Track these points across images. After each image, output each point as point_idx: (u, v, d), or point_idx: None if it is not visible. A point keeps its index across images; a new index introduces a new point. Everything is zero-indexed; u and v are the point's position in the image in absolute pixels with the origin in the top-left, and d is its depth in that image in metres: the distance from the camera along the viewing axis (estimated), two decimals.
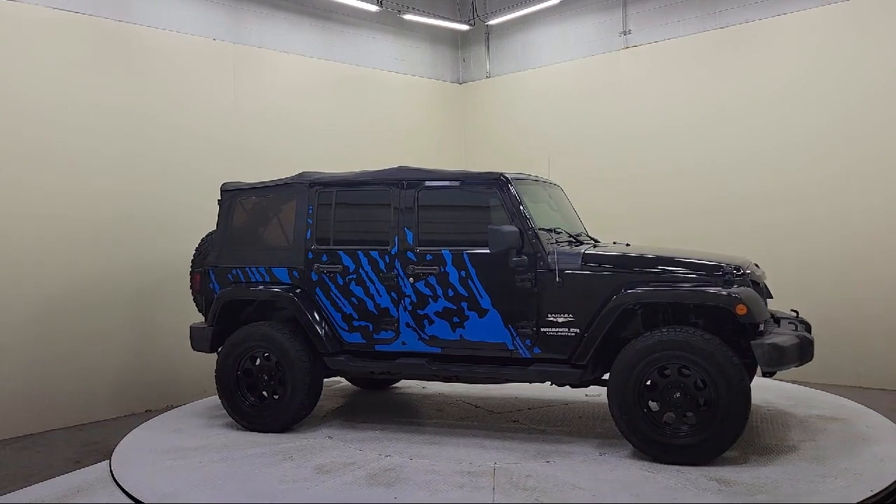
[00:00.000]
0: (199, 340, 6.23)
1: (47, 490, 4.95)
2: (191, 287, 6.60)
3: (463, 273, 5.43)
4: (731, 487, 4.45)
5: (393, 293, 5.61)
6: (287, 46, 8.92)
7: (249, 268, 6.08)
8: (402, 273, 5.58)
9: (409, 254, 5.57)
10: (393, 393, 7.36)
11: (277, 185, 6.17)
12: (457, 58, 11.12)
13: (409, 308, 5.56)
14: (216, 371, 6.02)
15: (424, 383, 7.47)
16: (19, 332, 6.63)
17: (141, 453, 5.45)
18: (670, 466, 4.79)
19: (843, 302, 7.56)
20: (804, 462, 4.86)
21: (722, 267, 5.04)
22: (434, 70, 10.74)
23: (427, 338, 5.55)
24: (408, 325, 5.59)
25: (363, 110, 9.61)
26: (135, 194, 7.42)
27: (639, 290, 5.04)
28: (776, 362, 4.77)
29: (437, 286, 5.49)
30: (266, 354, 5.88)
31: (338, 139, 9.19)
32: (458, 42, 11.12)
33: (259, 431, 5.85)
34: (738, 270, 5.06)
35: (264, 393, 5.94)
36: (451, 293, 5.46)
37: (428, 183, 5.66)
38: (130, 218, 7.38)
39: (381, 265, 5.64)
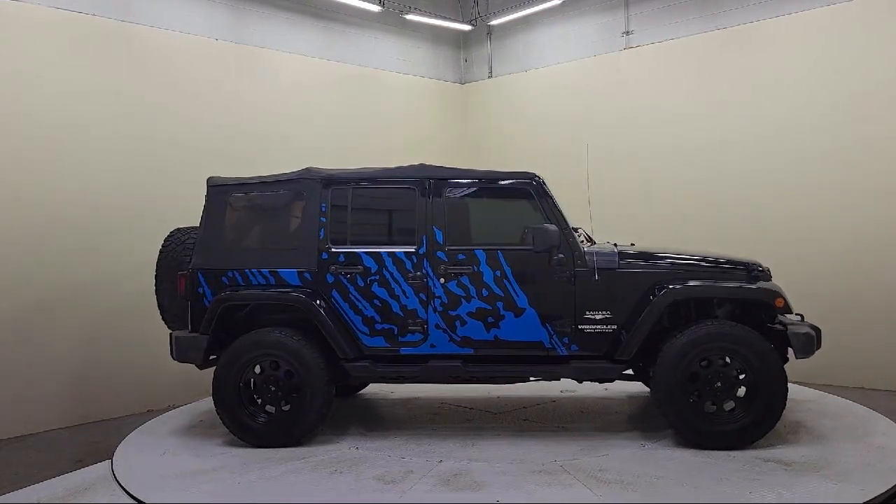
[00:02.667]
0: (189, 350, 5.49)
1: (47, 490, 4.84)
2: (156, 291, 5.90)
3: (498, 273, 5.35)
4: (793, 467, 4.67)
5: (421, 294, 5.43)
6: (289, 47, 8.84)
7: (250, 270, 5.50)
8: (431, 273, 5.42)
9: (440, 253, 5.43)
10: (369, 400, 7.01)
11: (280, 180, 5.66)
12: (459, 58, 11.08)
13: (440, 309, 5.41)
14: (214, 383, 5.43)
15: (392, 388, 7.20)
16: (19, 332, 6.55)
17: (149, 474, 5.00)
18: (722, 452, 4.97)
19: (845, 302, 7.56)
20: (834, 441, 5.19)
21: (748, 264, 5.38)
22: (436, 70, 10.69)
23: (459, 339, 5.41)
24: (437, 326, 5.42)
25: (365, 110, 9.53)
26: (138, 193, 7.34)
27: (689, 285, 5.21)
28: (809, 349, 5.12)
29: (470, 286, 5.37)
30: (274, 363, 5.43)
31: (339, 139, 9.11)
32: (460, 42, 11.08)
33: (267, 447, 5.35)
34: (762, 268, 5.40)
35: (268, 406, 5.49)
36: (485, 293, 5.36)
37: (457, 182, 5.56)
38: (133, 216, 7.29)
39: (408, 265, 5.44)
